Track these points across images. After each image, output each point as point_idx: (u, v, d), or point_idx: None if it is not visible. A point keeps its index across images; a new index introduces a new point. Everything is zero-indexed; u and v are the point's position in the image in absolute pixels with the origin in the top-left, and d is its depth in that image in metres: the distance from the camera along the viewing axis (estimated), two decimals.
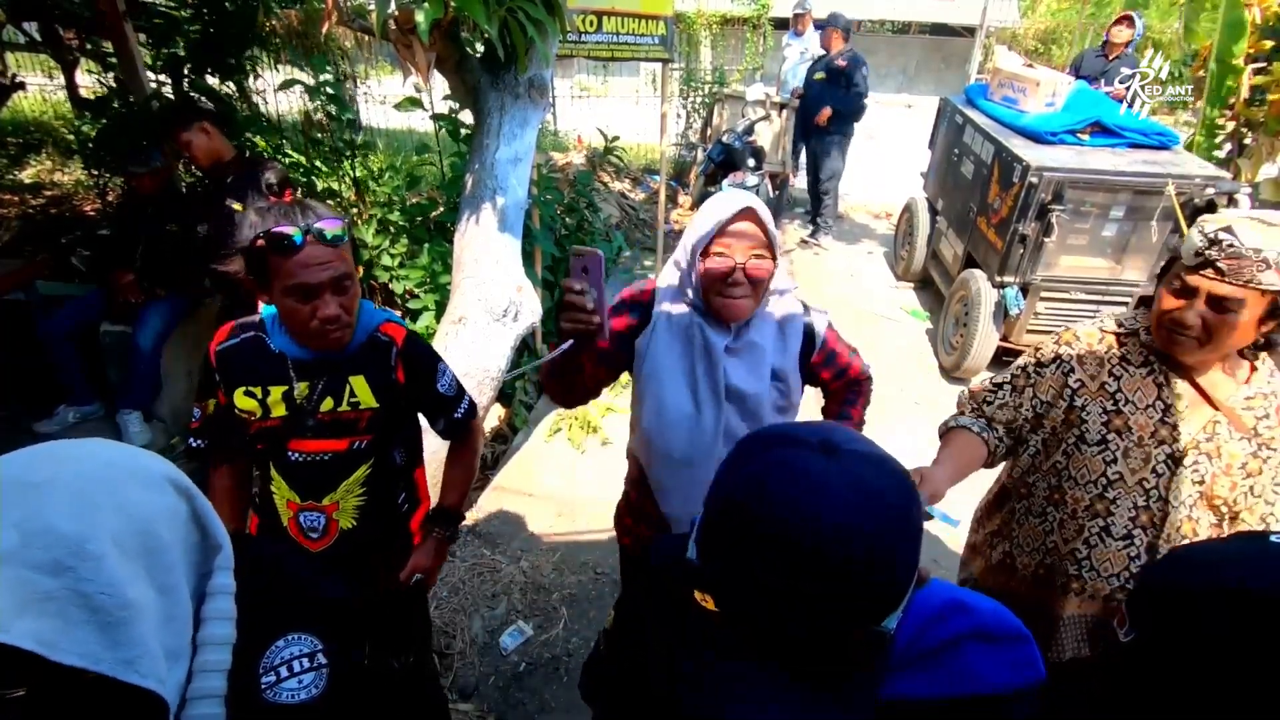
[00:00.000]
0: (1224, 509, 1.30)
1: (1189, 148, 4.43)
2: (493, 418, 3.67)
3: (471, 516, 2.98)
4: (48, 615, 0.49)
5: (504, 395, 3.59)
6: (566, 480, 3.26)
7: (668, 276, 1.40)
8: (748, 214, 1.25)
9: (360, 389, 1.36)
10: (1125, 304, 3.88)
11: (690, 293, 1.32)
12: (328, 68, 3.70)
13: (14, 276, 3.29)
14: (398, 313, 3.99)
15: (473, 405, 1.57)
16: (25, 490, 0.52)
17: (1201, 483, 1.30)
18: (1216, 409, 1.28)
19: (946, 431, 1.54)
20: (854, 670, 0.61)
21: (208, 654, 0.62)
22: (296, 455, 1.37)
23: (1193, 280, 1.19)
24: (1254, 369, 1.30)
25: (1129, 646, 0.85)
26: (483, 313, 2.81)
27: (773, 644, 0.59)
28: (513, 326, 2.91)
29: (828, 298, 5.23)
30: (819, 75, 5.77)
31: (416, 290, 3.69)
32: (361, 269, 3.88)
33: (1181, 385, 1.30)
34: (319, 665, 0.70)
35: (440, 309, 3.35)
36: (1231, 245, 1.16)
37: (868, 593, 0.56)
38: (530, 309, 3.00)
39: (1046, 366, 1.43)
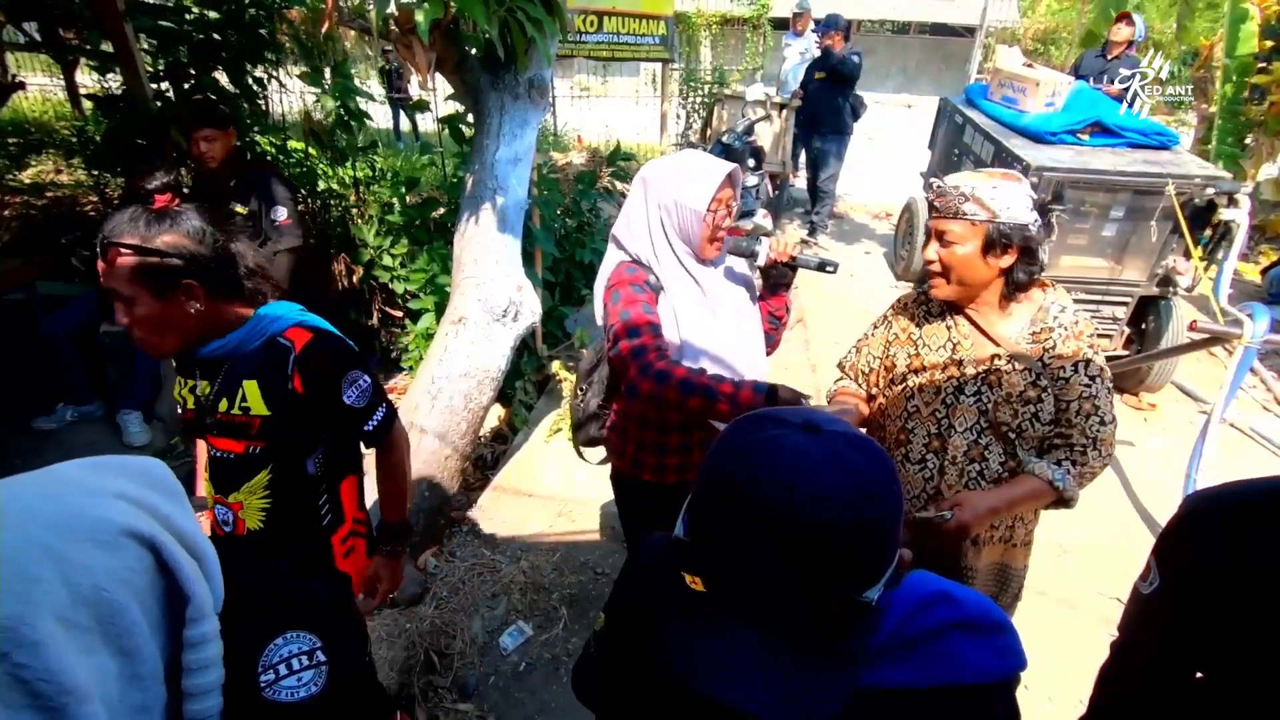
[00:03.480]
0: (1010, 435, 1.46)
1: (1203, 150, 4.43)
2: (492, 418, 3.66)
3: (471, 516, 2.98)
4: None
5: (504, 395, 3.58)
6: (566, 480, 3.25)
7: (650, 246, 1.59)
8: (731, 179, 1.60)
9: (251, 394, 1.33)
10: (1125, 304, 3.87)
11: (683, 243, 1.58)
12: (331, 67, 3.69)
13: (14, 276, 3.29)
14: (398, 313, 4.01)
15: (390, 414, 1.49)
16: None
17: (985, 411, 1.47)
18: (999, 345, 1.46)
19: (834, 396, 1.77)
20: (839, 642, 0.63)
21: (196, 703, 0.60)
22: (211, 449, 1.41)
23: (930, 225, 1.46)
24: (1041, 309, 1.47)
25: (1148, 597, 0.87)
26: (483, 313, 2.81)
27: (760, 617, 0.61)
28: (513, 326, 2.91)
29: (827, 297, 5.23)
30: (820, 75, 5.78)
31: (416, 291, 3.69)
32: (361, 269, 3.87)
33: (967, 327, 1.51)
34: (318, 663, 0.69)
35: (440, 310, 3.35)
36: (939, 185, 1.41)
37: (844, 561, 0.59)
38: (530, 309, 3.00)
39: (878, 327, 1.69)
